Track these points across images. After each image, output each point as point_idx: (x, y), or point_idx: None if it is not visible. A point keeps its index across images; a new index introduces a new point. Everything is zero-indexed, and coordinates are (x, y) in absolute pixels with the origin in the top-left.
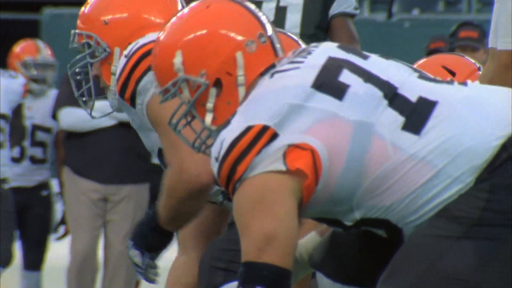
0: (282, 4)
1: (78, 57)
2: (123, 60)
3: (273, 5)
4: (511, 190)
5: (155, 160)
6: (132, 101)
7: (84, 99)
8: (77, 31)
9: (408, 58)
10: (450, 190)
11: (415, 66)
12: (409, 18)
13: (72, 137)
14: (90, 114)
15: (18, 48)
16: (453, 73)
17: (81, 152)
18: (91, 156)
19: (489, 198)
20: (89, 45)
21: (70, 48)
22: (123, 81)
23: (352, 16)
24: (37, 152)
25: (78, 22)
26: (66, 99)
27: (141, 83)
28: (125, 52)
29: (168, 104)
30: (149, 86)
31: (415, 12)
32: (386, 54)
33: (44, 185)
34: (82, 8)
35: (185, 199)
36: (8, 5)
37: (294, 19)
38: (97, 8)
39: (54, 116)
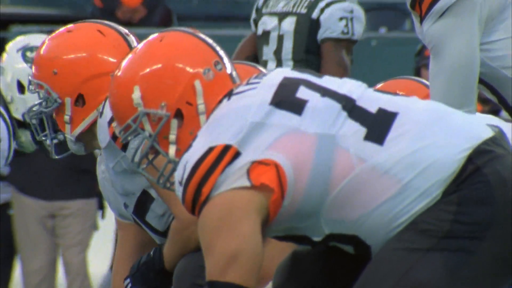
0: (281, 33)
1: (31, 105)
2: None
3: (275, 33)
4: (479, 202)
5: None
6: (125, 144)
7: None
8: (30, 78)
9: (375, 76)
10: (418, 205)
11: None
12: (376, 36)
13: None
14: (52, 154)
15: None
16: None
17: (23, 170)
18: (33, 173)
19: (458, 210)
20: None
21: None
22: None
23: (342, 40)
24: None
25: (33, 67)
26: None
27: None
28: None
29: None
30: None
31: (383, 30)
32: (353, 72)
33: (10, 204)
34: (37, 52)
35: (198, 245)
36: None
37: (287, 46)
38: (47, 55)
39: None
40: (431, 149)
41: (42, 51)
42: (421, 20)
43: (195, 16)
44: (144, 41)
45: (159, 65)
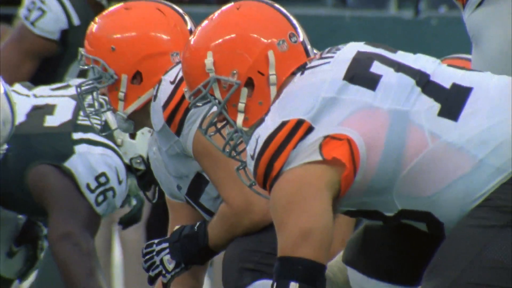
0: None
1: (86, 80)
2: (169, 87)
3: None
4: None
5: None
6: (179, 129)
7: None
8: (84, 53)
9: (435, 56)
10: (492, 181)
11: None
12: (437, 15)
13: None
14: (102, 131)
15: None
16: None
17: None
18: None
19: None
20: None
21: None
22: (173, 108)
23: None
24: None
25: (86, 43)
26: None
27: (190, 111)
28: (169, 78)
29: (219, 136)
30: (197, 115)
31: (443, 9)
32: (413, 52)
33: None
34: (90, 28)
35: (245, 232)
36: None
37: None
38: (104, 31)
39: None
40: (505, 126)
41: (98, 27)
42: (463, 8)
43: None
44: (221, 9)
45: (234, 33)
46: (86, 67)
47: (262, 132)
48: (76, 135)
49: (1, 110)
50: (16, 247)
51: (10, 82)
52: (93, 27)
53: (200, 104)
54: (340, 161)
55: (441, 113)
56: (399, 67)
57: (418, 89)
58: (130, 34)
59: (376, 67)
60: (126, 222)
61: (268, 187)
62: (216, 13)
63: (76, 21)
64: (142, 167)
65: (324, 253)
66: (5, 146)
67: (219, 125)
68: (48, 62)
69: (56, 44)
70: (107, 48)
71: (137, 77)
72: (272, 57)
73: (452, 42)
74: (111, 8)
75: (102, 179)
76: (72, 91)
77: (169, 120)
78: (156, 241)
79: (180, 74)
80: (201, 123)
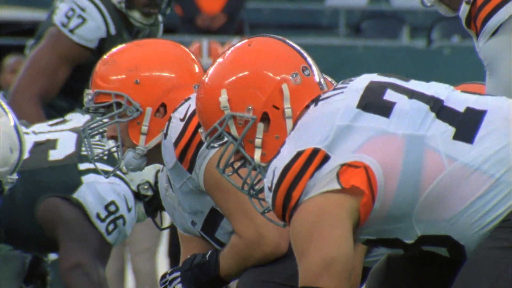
0: None
1: (99, 118)
2: (179, 124)
3: None
4: None
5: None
6: (191, 165)
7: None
8: (100, 90)
9: (449, 84)
10: (510, 200)
11: None
12: (449, 45)
13: None
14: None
15: None
16: None
17: None
18: None
19: None
20: (118, 105)
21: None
22: (184, 145)
23: None
24: None
25: (98, 81)
26: None
27: (202, 147)
28: (178, 115)
29: (236, 175)
30: (208, 150)
31: (455, 39)
32: (426, 81)
33: None
34: (100, 66)
35: (257, 264)
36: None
37: None
38: (123, 66)
39: None
40: None
41: (114, 63)
42: (477, 37)
43: (266, 25)
44: (233, 47)
45: (247, 70)
46: (100, 104)
47: (279, 163)
48: (82, 166)
49: (8, 138)
50: (26, 286)
51: (48, 86)
52: (105, 64)
53: (216, 145)
54: (359, 188)
55: (456, 137)
56: (413, 94)
57: (432, 114)
58: (154, 66)
59: (390, 95)
60: None
61: (288, 218)
62: (229, 51)
63: (112, 30)
64: (149, 192)
65: (344, 283)
66: (15, 176)
67: (236, 165)
68: (79, 70)
69: (91, 53)
70: (131, 81)
71: (160, 109)
72: (287, 90)
73: (464, 71)
74: (121, 46)
75: (112, 208)
76: (70, 125)
77: (181, 157)
78: (169, 270)
79: (190, 111)
80: (218, 162)
